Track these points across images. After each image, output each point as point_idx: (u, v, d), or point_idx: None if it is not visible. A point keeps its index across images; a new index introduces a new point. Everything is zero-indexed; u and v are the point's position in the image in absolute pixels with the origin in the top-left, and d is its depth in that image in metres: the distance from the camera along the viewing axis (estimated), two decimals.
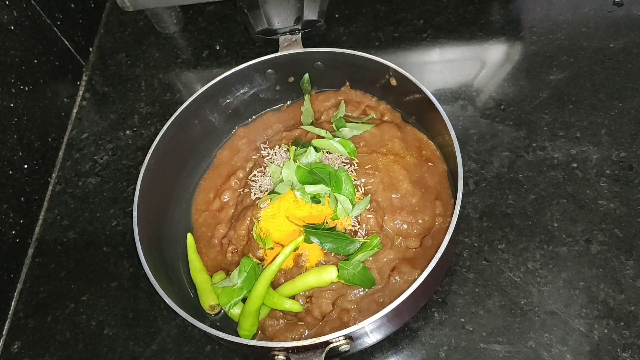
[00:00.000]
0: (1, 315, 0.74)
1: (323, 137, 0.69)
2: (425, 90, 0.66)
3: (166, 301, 0.58)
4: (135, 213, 0.64)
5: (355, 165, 0.67)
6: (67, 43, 0.93)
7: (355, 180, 0.66)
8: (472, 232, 0.70)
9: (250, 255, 0.66)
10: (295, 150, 0.68)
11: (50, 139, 0.87)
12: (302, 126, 0.74)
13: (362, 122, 0.73)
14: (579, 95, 0.78)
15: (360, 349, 0.63)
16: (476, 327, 0.64)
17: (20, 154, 0.79)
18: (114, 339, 0.70)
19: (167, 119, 0.72)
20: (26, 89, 0.82)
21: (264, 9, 0.79)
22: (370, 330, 0.56)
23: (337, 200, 0.64)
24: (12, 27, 0.80)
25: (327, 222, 0.64)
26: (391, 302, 0.53)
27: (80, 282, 0.75)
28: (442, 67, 0.86)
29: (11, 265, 0.76)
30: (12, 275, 0.76)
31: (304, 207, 0.65)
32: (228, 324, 0.66)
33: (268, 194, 0.67)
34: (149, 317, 0.71)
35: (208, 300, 0.65)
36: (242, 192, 0.72)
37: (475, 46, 0.86)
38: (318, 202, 0.65)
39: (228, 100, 0.78)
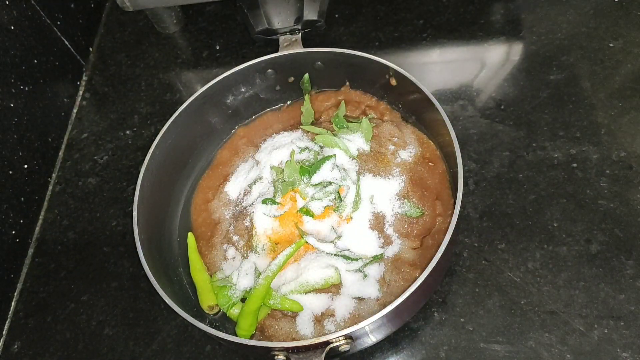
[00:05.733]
0: (1, 315, 0.74)
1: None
2: (425, 90, 0.66)
3: (166, 301, 0.58)
4: (135, 213, 0.64)
5: (357, 161, 0.67)
6: (67, 43, 0.93)
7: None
8: (472, 232, 0.70)
9: (249, 255, 0.66)
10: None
11: (50, 139, 0.87)
12: (302, 126, 0.74)
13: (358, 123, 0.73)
14: (579, 95, 0.78)
15: (360, 349, 0.63)
16: (476, 327, 0.64)
17: (20, 154, 0.79)
18: (114, 339, 0.70)
19: (167, 119, 0.72)
20: (26, 89, 0.82)
21: (264, 9, 0.79)
22: (370, 330, 0.56)
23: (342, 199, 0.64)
24: (12, 27, 0.80)
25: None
26: (391, 302, 0.53)
27: (80, 282, 0.75)
28: (442, 67, 0.86)
29: (11, 265, 0.76)
30: (12, 275, 0.76)
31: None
32: (228, 324, 0.66)
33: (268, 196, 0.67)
34: (149, 317, 0.71)
35: (207, 300, 0.65)
36: (242, 192, 0.72)
37: (475, 46, 0.86)
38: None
39: (228, 100, 0.78)
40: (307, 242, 0.63)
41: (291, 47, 0.76)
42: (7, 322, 0.74)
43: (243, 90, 0.78)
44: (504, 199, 0.72)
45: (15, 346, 0.72)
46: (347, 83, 0.78)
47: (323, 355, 0.54)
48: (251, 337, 0.63)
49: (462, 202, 0.58)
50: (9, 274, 0.76)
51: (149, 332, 0.70)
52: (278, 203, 0.66)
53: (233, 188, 0.73)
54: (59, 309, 0.74)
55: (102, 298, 0.74)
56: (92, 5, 1.02)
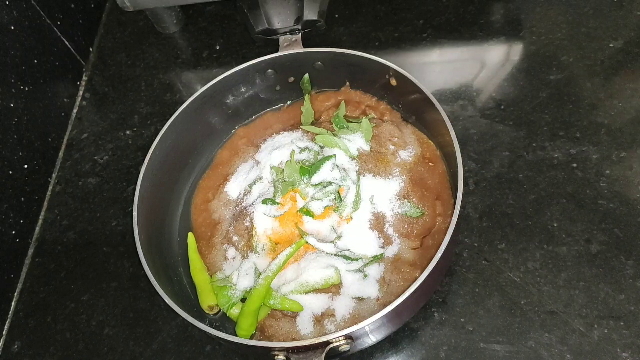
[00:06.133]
0: (1, 315, 0.74)
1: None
2: (425, 90, 0.66)
3: (166, 301, 0.58)
4: (135, 213, 0.64)
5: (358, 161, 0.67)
6: (67, 43, 0.93)
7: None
8: (472, 232, 0.70)
9: (249, 255, 0.66)
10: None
11: (50, 139, 0.87)
12: (302, 126, 0.74)
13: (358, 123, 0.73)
14: (579, 95, 0.78)
15: (360, 349, 0.63)
16: (476, 327, 0.64)
17: (20, 154, 0.79)
18: (114, 339, 0.70)
19: (167, 119, 0.72)
20: (26, 89, 0.82)
21: (264, 9, 0.79)
22: (370, 330, 0.56)
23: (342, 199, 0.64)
24: (12, 27, 0.80)
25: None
26: (391, 302, 0.53)
27: (80, 282, 0.75)
28: (442, 67, 0.86)
29: (11, 265, 0.76)
30: (12, 275, 0.76)
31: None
32: (228, 323, 0.66)
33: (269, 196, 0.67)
34: (149, 317, 0.71)
35: (207, 300, 0.65)
36: (242, 192, 0.72)
37: (475, 46, 0.86)
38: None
39: (228, 100, 0.78)
40: (307, 242, 0.63)
41: (291, 47, 0.76)
42: (7, 322, 0.74)
43: (243, 90, 0.78)
44: (504, 199, 0.72)
45: (15, 346, 0.72)
46: (347, 83, 0.78)
47: (323, 355, 0.54)
48: (251, 337, 0.63)
49: (462, 202, 0.58)
50: (9, 274, 0.76)
51: (149, 332, 0.70)
52: (278, 203, 0.66)
53: (233, 188, 0.73)
54: (59, 309, 0.74)
55: (102, 298, 0.74)
56: (92, 5, 1.02)
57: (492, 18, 0.88)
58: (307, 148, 0.69)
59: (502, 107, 0.79)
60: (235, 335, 0.60)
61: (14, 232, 0.77)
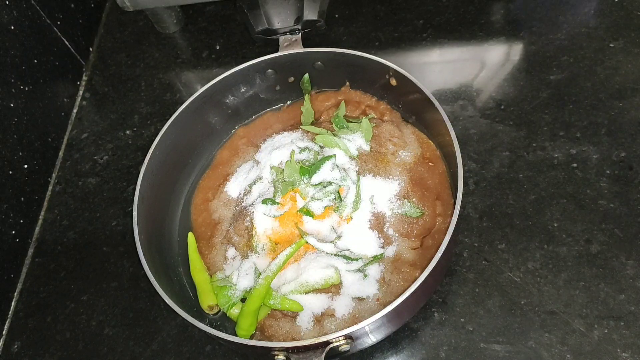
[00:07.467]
0: (1, 315, 0.74)
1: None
2: (425, 90, 0.66)
3: (166, 301, 0.58)
4: (135, 213, 0.64)
5: (358, 162, 0.67)
6: (67, 43, 0.93)
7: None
8: (472, 232, 0.70)
9: (250, 255, 0.66)
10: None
11: (50, 139, 0.87)
12: (302, 126, 0.74)
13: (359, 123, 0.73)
14: (579, 95, 0.78)
15: (360, 349, 0.63)
16: (476, 327, 0.64)
17: (20, 154, 0.79)
18: (114, 339, 0.70)
19: (167, 119, 0.72)
20: (26, 89, 0.82)
21: (264, 9, 0.79)
22: (370, 330, 0.56)
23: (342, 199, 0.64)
24: (12, 27, 0.80)
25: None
26: (391, 302, 0.53)
27: (80, 282, 0.75)
28: (442, 67, 0.86)
29: (11, 265, 0.76)
30: (12, 275, 0.76)
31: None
32: (228, 323, 0.66)
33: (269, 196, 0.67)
34: (149, 317, 0.71)
35: (207, 300, 0.65)
36: (242, 192, 0.72)
37: (475, 46, 0.86)
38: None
39: (228, 100, 0.78)
40: (307, 242, 0.63)
41: (291, 47, 0.76)
42: (7, 322, 0.74)
43: (243, 90, 0.78)
44: (504, 199, 0.72)
45: (15, 346, 0.72)
46: (347, 83, 0.78)
47: (323, 355, 0.54)
48: (251, 337, 0.63)
49: (462, 202, 0.58)
50: (9, 274, 0.76)
51: (149, 332, 0.70)
52: (278, 203, 0.66)
53: (233, 188, 0.73)
54: (59, 309, 0.74)
55: (102, 298, 0.74)
56: (92, 5, 1.02)
57: (492, 18, 0.88)
58: (307, 148, 0.69)
59: (502, 107, 0.79)
60: (235, 335, 0.60)
61: (14, 232, 0.77)
